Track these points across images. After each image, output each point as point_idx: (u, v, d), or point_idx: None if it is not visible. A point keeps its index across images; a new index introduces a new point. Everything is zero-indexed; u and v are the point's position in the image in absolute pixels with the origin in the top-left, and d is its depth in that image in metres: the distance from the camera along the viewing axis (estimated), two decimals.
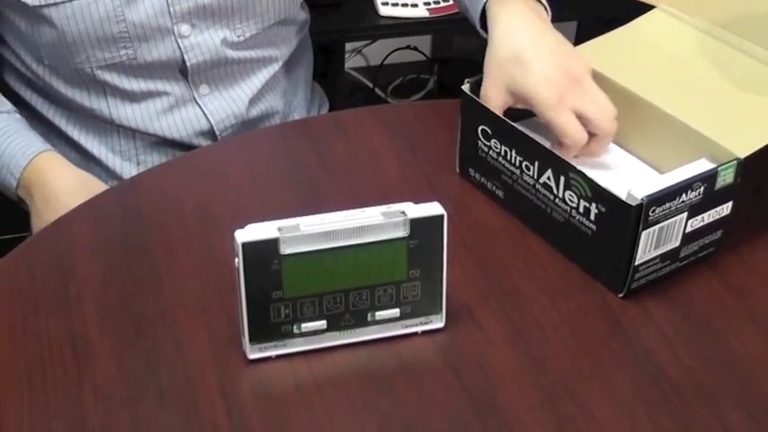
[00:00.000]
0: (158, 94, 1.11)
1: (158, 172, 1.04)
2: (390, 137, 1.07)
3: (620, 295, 0.88)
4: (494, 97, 0.94)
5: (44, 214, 1.04)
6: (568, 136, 0.91)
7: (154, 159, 1.13)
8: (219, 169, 1.04)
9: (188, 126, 1.12)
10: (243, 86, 1.15)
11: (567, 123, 0.91)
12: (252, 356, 0.81)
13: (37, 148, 1.07)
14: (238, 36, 1.11)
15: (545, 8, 1.00)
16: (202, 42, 1.09)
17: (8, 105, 1.10)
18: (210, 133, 1.14)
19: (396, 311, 0.83)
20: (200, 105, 1.13)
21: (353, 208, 0.79)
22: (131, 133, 1.13)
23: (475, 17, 1.00)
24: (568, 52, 0.94)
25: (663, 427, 0.78)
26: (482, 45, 0.98)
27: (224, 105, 1.14)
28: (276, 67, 1.17)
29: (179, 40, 1.08)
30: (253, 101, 1.16)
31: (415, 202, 0.81)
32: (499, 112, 0.94)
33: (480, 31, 1.00)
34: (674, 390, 0.81)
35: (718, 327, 0.87)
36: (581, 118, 0.92)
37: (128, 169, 1.14)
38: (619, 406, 0.79)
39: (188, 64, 1.09)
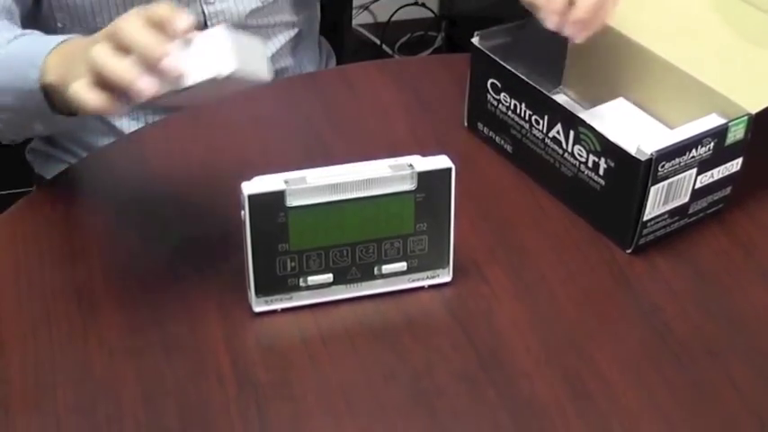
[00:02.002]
0: None
1: (164, 125, 1.03)
2: (398, 91, 1.06)
3: (628, 251, 0.88)
4: None
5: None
6: None
7: None
8: (225, 122, 1.03)
9: None
10: None
11: None
12: (257, 309, 0.81)
13: (65, 38, 0.86)
14: (262, 2, 1.10)
15: None
16: (226, 9, 1.08)
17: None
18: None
19: (402, 265, 0.82)
20: None
21: (360, 161, 0.79)
22: None
23: None
24: None
25: (669, 382, 0.78)
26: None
27: None
28: (292, 33, 1.16)
29: (204, 6, 1.07)
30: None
31: (423, 156, 0.80)
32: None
33: None
34: (681, 345, 0.81)
35: (727, 283, 0.86)
36: None
37: (135, 128, 1.13)
38: (625, 361, 0.79)
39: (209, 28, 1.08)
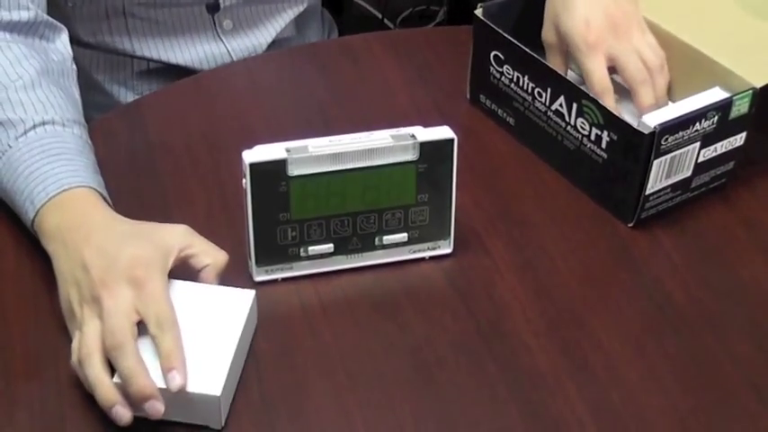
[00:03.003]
0: (182, 27, 1.09)
1: (165, 93, 1.02)
2: (400, 63, 1.05)
3: (630, 225, 0.88)
4: (549, 38, 0.94)
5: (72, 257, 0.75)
6: (590, 81, 0.89)
7: None
8: (226, 92, 1.02)
9: (210, 59, 1.11)
10: (267, 26, 1.13)
11: (593, 68, 0.89)
12: (258, 279, 0.81)
13: (77, 180, 0.80)
14: None
15: None
16: None
17: (68, 112, 0.86)
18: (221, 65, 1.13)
19: (403, 236, 0.82)
20: (222, 40, 1.11)
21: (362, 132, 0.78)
22: (147, 65, 1.11)
23: None
24: (620, 2, 0.92)
25: (669, 354, 0.78)
26: None
27: (246, 43, 1.12)
28: (301, 8, 1.16)
29: None
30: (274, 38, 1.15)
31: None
32: (556, 54, 0.94)
33: None
34: (682, 319, 0.80)
35: (728, 258, 0.86)
36: (617, 66, 0.90)
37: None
38: (626, 334, 0.79)
39: (221, 6, 1.08)
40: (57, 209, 0.79)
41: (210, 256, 0.76)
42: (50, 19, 0.92)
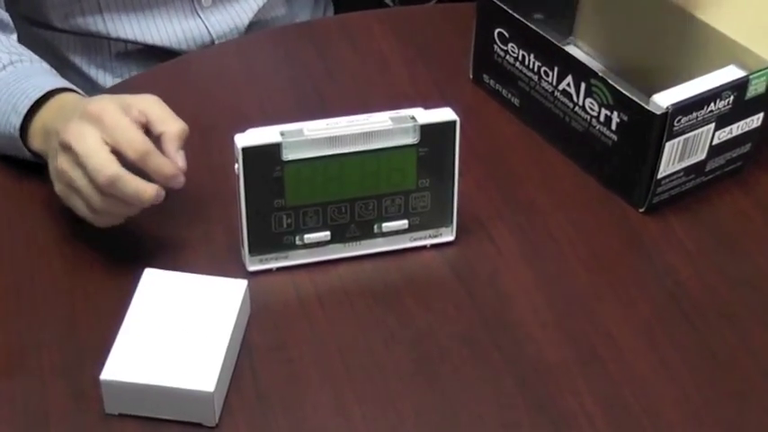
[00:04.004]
0: (157, 3, 1.07)
1: (153, 74, 1.01)
2: (399, 41, 1.04)
3: (641, 210, 0.86)
4: None
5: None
6: None
7: None
8: (217, 73, 1.01)
9: (188, 37, 1.09)
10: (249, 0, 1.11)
11: None
12: (251, 269, 0.80)
13: (57, 84, 0.84)
14: None
15: None
16: None
17: (35, 57, 0.90)
18: (211, 45, 1.10)
19: (404, 223, 0.81)
20: (201, 17, 1.09)
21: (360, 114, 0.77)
22: (124, 47, 1.08)
23: None
24: None
25: (682, 346, 0.76)
26: None
27: (226, 18, 1.10)
28: None
29: None
30: (256, 13, 1.12)
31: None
32: None
33: None
34: (696, 308, 0.79)
35: (745, 244, 0.84)
36: None
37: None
38: (636, 324, 0.78)
39: None
40: (41, 109, 0.82)
41: (166, 124, 0.77)
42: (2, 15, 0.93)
